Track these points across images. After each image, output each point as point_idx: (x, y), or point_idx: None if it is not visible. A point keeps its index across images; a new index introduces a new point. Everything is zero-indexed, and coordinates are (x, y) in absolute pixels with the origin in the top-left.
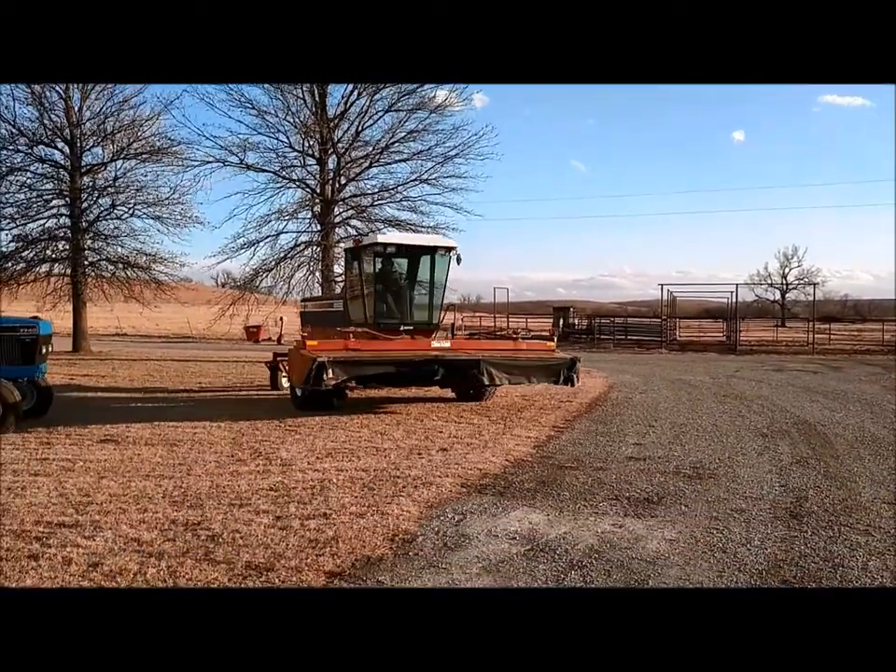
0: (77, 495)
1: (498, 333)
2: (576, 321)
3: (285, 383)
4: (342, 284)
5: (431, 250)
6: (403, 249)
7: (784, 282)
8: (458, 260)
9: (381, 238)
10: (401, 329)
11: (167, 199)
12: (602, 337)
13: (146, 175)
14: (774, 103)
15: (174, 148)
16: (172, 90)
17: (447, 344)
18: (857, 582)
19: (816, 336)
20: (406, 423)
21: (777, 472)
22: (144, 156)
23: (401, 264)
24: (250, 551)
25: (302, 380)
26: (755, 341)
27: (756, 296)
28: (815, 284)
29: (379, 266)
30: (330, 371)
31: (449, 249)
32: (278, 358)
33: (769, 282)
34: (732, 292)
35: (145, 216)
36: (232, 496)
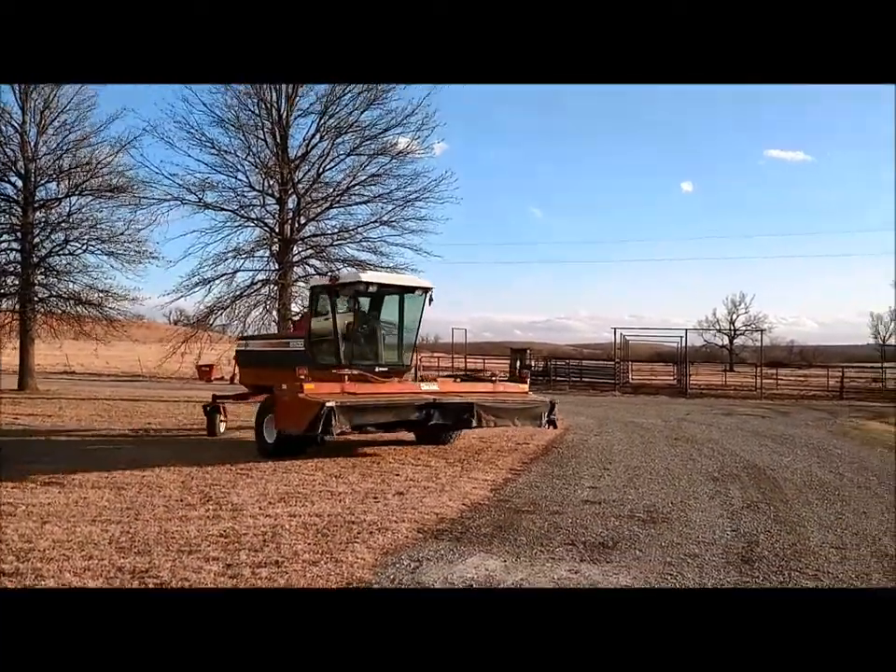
0: (18, 541)
1: (476, 375)
2: (532, 363)
3: (222, 428)
4: (294, 322)
5: (409, 290)
6: (382, 289)
7: (732, 328)
8: (430, 301)
9: (364, 277)
10: (375, 370)
11: (122, 235)
12: (558, 379)
13: (101, 211)
14: (721, 155)
15: (131, 186)
16: (131, 130)
17: (436, 387)
18: None
19: (763, 381)
20: (362, 465)
21: (728, 517)
22: (100, 193)
23: (376, 303)
24: None
25: (304, 426)
26: (704, 384)
27: (705, 341)
28: (762, 330)
29: (354, 305)
30: (339, 416)
31: (426, 290)
32: (219, 401)
33: (718, 327)
34: (682, 337)
35: (99, 251)
36: (181, 542)
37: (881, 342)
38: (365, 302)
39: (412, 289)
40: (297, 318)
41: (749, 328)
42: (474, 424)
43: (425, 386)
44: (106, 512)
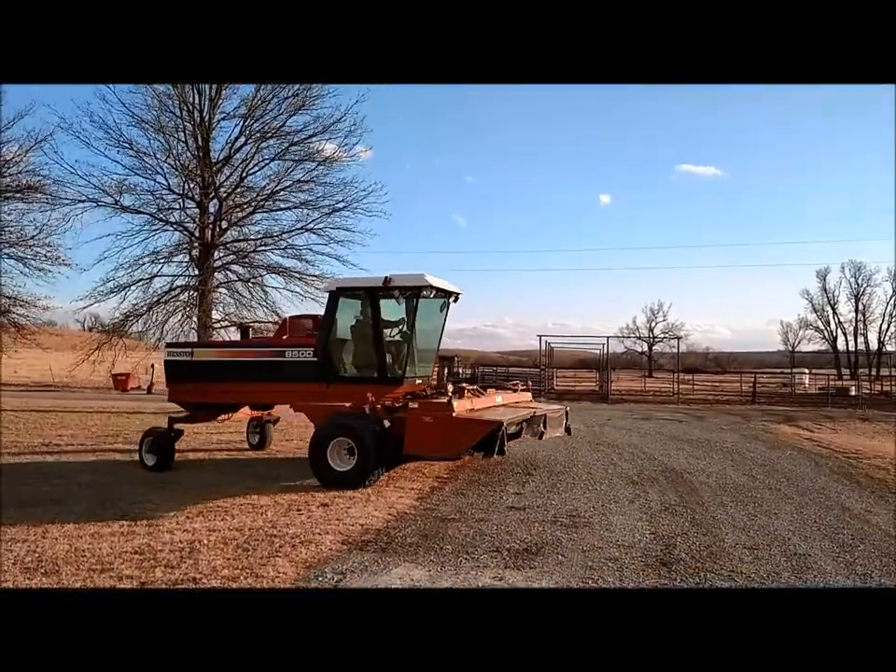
0: None
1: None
2: (460, 370)
3: (149, 461)
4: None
5: (451, 295)
6: (439, 294)
7: (651, 335)
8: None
9: (430, 280)
10: (411, 382)
11: (32, 238)
12: (485, 386)
13: (9, 214)
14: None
15: (43, 186)
16: (43, 126)
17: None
18: None
19: (680, 386)
20: (284, 477)
21: (647, 520)
22: (8, 193)
23: (408, 309)
24: None
25: (462, 447)
26: (625, 390)
27: (626, 348)
28: (679, 337)
29: (412, 311)
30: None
31: (458, 296)
32: (176, 426)
33: (637, 335)
34: (604, 344)
35: (6, 256)
36: (93, 560)
37: (790, 348)
38: (412, 307)
39: (453, 294)
40: (278, 324)
41: (666, 335)
42: (546, 434)
43: (499, 399)
44: (10, 531)
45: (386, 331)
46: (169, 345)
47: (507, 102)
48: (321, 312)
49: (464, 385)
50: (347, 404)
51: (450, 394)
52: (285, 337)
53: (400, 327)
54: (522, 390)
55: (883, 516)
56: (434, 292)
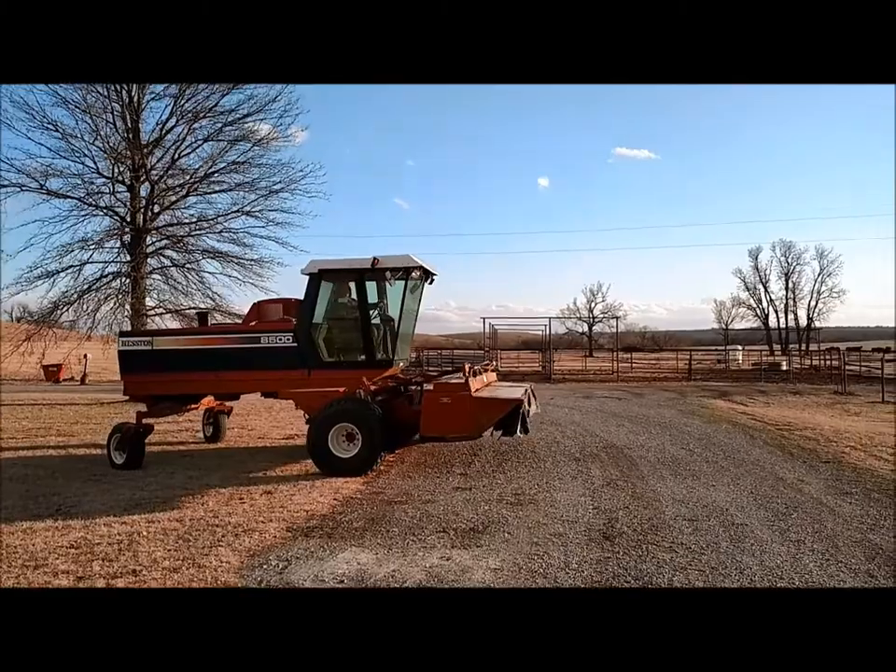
0: None
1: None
2: None
3: (117, 458)
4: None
5: (432, 276)
6: (424, 274)
7: (591, 316)
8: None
9: (418, 261)
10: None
11: None
12: (430, 369)
13: None
14: (575, 152)
15: None
16: None
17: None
18: None
19: (619, 365)
20: (226, 466)
21: (590, 495)
22: None
23: (381, 291)
24: None
25: (482, 427)
26: (567, 370)
27: (567, 328)
28: (617, 317)
29: (404, 293)
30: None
31: (434, 278)
32: (144, 421)
33: (578, 315)
34: (546, 325)
35: None
36: (25, 556)
37: (724, 326)
38: (392, 290)
39: (432, 275)
40: (253, 308)
41: (606, 315)
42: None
43: (483, 378)
44: None
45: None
46: (123, 334)
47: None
48: (265, 296)
49: (464, 365)
50: (341, 389)
51: (467, 374)
52: (254, 323)
53: (380, 309)
54: (491, 371)
55: (815, 485)
56: (420, 273)
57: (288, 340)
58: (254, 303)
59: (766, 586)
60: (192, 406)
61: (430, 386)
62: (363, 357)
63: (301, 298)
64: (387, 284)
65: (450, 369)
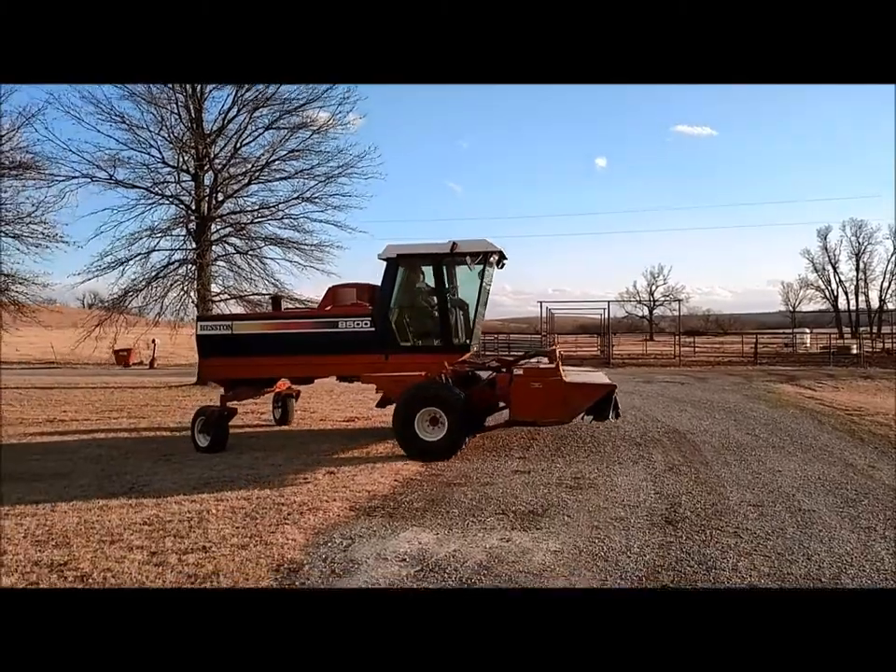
0: None
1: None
2: None
3: (202, 441)
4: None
5: (502, 260)
6: (494, 258)
7: (651, 298)
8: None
9: (495, 244)
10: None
11: (28, 216)
12: (487, 353)
13: (4, 192)
14: (631, 132)
15: (37, 163)
16: (34, 101)
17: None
18: (729, 583)
19: (682, 349)
20: (290, 447)
21: (651, 480)
22: (2, 171)
23: (465, 275)
24: None
25: (575, 412)
26: (627, 354)
27: (626, 312)
28: (679, 300)
29: (483, 278)
30: None
31: (504, 263)
32: (228, 404)
33: (638, 298)
34: (605, 309)
35: (3, 234)
36: (102, 532)
37: (791, 309)
38: (461, 274)
39: (503, 261)
40: (327, 294)
41: (667, 298)
42: None
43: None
44: (20, 506)
45: (433, 299)
46: (201, 318)
47: None
48: (328, 280)
49: (553, 351)
50: (422, 373)
51: (557, 360)
52: (328, 308)
53: (453, 294)
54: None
55: (886, 471)
56: (497, 257)
57: (366, 324)
58: (329, 288)
59: (766, 586)
60: (268, 390)
61: (521, 371)
62: (440, 341)
63: (370, 282)
64: (456, 269)
65: (522, 354)
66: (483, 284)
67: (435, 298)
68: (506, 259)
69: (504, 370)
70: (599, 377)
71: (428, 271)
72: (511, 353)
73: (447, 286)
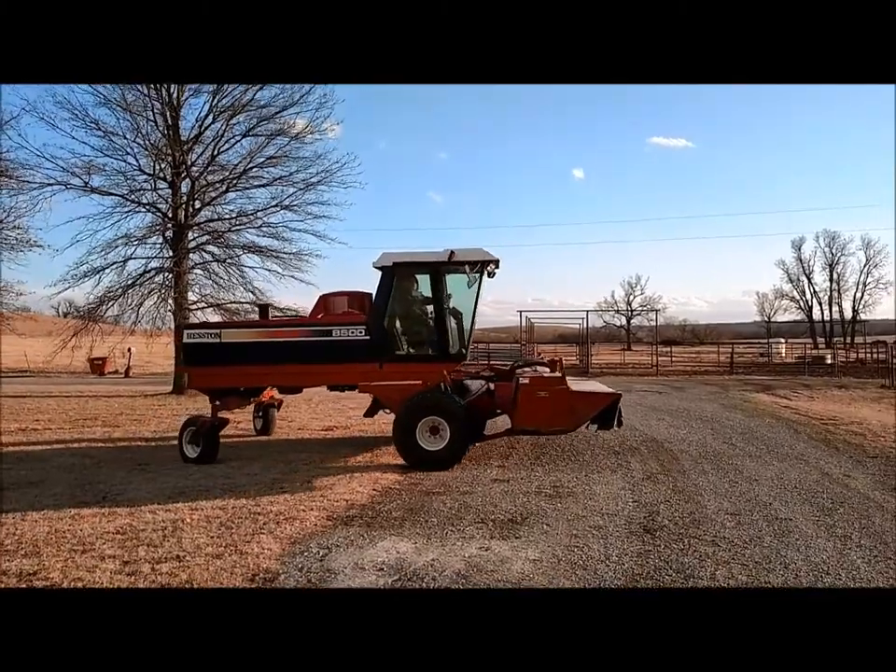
0: None
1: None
2: None
3: (191, 452)
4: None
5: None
6: (492, 267)
7: (629, 308)
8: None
9: (492, 253)
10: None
11: (0, 222)
12: (467, 362)
13: None
14: (608, 143)
15: (10, 169)
16: (8, 107)
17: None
18: None
19: (659, 358)
20: (267, 456)
21: (629, 488)
22: None
23: (456, 284)
24: None
25: (578, 422)
26: (605, 363)
27: (605, 322)
28: (657, 310)
29: (479, 287)
30: None
31: (495, 273)
32: (220, 414)
33: (616, 308)
34: (583, 318)
35: None
36: (74, 541)
37: (766, 319)
38: (452, 283)
39: (494, 271)
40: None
41: (644, 308)
42: None
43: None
44: None
45: (429, 307)
46: (189, 326)
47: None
48: (307, 289)
49: (553, 360)
50: (418, 382)
51: (560, 369)
52: (320, 316)
53: (447, 303)
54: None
55: (861, 480)
56: (494, 266)
57: (360, 333)
58: (321, 296)
59: (766, 587)
60: (254, 399)
61: (527, 380)
62: (436, 350)
63: (361, 291)
64: (446, 278)
65: (515, 363)
66: (479, 293)
67: (430, 306)
68: (498, 268)
69: (499, 379)
70: (600, 386)
71: (422, 279)
72: (491, 361)
73: (444, 295)
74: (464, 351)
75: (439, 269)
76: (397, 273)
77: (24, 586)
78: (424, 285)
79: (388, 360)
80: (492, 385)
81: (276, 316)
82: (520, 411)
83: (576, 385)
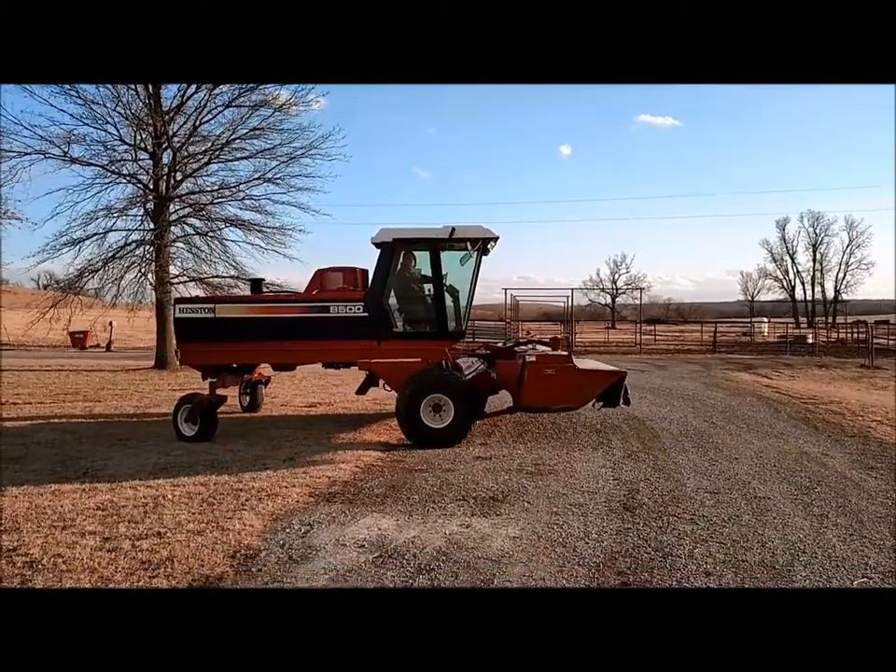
0: None
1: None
2: None
3: (187, 430)
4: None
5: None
6: (492, 244)
7: (614, 287)
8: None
9: (492, 230)
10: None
11: None
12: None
13: None
14: (596, 120)
15: None
16: None
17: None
18: (685, 570)
19: (643, 337)
20: (250, 432)
21: (610, 466)
22: None
23: (450, 262)
24: (74, 576)
25: (585, 399)
26: (589, 342)
27: (590, 300)
28: (641, 289)
29: (477, 263)
30: None
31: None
32: (219, 390)
33: (601, 287)
34: (568, 297)
35: None
36: (54, 517)
37: (750, 298)
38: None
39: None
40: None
41: (629, 286)
42: None
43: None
44: None
45: (426, 285)
46: (180, 301)
47: None
48: (295, 266)
49: (556, 337)
50: (418, 360)
51: (566, 346)
52: (315, 292)
53: (445, 280)
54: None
55: (839, 459)
56: (494, 243)
57: (359, 309)
58: (316, 271)
59: (766, 587)
60: (247, 376)
61: (533, 358)
62: (436, 327)
63: (355, 266)
64: (442, 254)
65: (513, 342)
66: (478, 271)
67: (428, 284)
68: (496, 245)
69: (496, 357)
70: (603, 365)
71: (420, 256)
72: (476, 339)
73: (442, 272)
74: (463, 328)
75: (438, 246)
76: (396, 250)
77: (23, 586)
78: (421, 262)
79: (386, 337)
80: (489, 364)
81: (269, 292)
82: (527, 388)
83: (581, 363)
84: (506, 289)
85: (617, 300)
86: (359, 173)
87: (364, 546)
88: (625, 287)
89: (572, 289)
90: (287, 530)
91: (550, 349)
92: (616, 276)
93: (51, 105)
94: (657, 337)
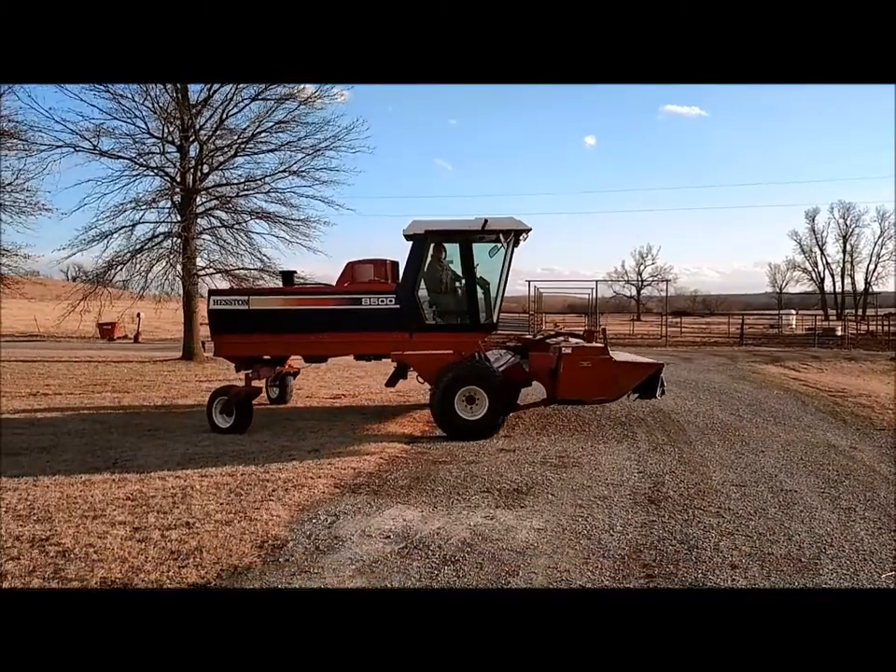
0: None
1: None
2: None
3: (221, 422)
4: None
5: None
6: (525, 236)
7: (640, 278)
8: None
9: (525, 222)
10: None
11: (9, 185)
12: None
13: None
14: (621, 110)
15: (18, 131)
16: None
17: None
18: (710, 562)
19: (668, 329)
20: (276, 424)
21: (635, 459)
22: None
23: (480, 254)
24: (105, 566)
25: (621, 391)
26: (613, 334)
27: (615, 292)
28: (667, 280)
29: (507, 255)
30: None
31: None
32: (255, 383)
33: (626, 279)
34: (592, 289)
35: None
36: (85, 507)
37: (778, 290)
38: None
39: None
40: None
41: (655, 278)
42: None
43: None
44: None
45: (458, 277)
46: (214, 293)
47: None
48: (320, 259)
49: (589, 329)
50: (450, 352)
51: (603, 339)
52: (346, 284)
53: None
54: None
55: (868, 452)
56: (526, 235)
57: (391, 301)
58: (348, 263)
59: (766, 587)
60: (280, 368)
61: (569, 350)
62: (468, 319)
63: (386, 258)
64: (474, 246)
65: (546, 334)
66: (510, 263)
67: (460, 275)
68: (527, 237)
69: (529, 349)
70: (637, 357)
71: (450, 248)
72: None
73: (473, 263)
74: (494, 321)
75: (471, 238)
76: (428, 242)
77: (23, 586)
78: (451, 253)
79: (418, 330)
80: (522, 356)
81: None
82: (563, 381)
83: (617, 355)
84: (529, 281)
85: (642, 291)
86: (383, 164)
87: (389, 537)
88: (651, 278)
89: (596, 281)
90: (314, 521)
91: (583, 341)
92: (641, 268)
93: (81, 100)
94: (683, 329)
